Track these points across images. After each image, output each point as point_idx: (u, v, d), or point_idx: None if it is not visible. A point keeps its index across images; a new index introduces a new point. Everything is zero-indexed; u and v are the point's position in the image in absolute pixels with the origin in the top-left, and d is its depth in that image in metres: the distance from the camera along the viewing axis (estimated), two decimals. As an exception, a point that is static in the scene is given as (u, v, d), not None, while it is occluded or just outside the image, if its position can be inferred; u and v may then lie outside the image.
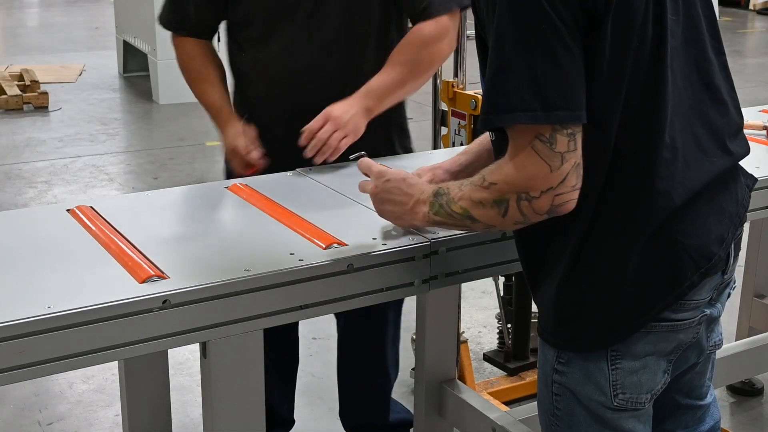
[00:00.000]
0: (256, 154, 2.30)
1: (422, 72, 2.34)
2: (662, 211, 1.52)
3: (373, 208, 1.82)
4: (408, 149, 2.57)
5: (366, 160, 1.88)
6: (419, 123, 4.13)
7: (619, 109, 1.49)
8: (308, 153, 2.20)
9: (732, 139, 1.64)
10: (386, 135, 2.49)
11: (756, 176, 1.76)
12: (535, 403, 1.75)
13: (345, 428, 2.87)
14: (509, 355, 3.21)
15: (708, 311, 1.62)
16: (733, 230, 1.62)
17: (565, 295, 1.58)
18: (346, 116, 2.22)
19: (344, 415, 2.87)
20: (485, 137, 1.94)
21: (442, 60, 2.38)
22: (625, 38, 1.47)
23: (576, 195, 1.49)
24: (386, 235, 1.84)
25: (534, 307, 3.28)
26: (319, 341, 3.56)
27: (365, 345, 2.76)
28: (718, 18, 1.67)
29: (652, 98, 1.51)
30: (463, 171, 1.92)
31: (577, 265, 1.55)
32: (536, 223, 1.54)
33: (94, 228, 1.88)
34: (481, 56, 1.58)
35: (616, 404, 1.60)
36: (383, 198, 1.78)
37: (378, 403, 2.82)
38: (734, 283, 1.71)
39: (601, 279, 1.55)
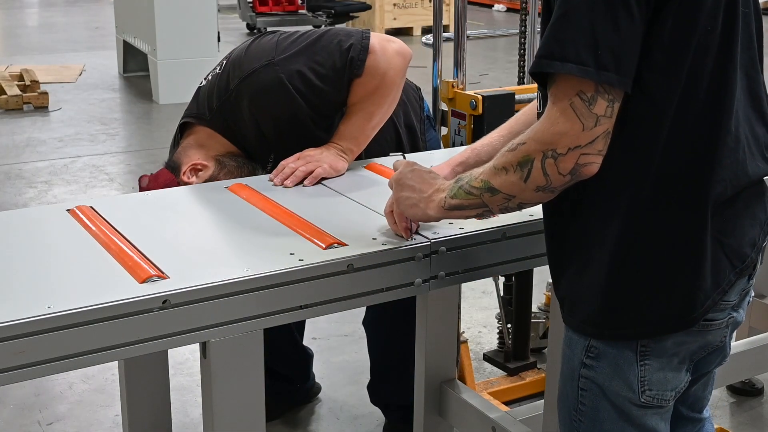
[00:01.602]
0: None
1: (386, 94, 2.34)
2: (712, 202, 1.51)
3: (374, 209, 1.81)
4: (417, 148, 2.60)
5: (401, 160, 1.90)
6: (419, 123, 4.13)
7: (678, 89, 1.47)
8: (272, 177, 2.22)
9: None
10: (396, 136, 2.54)
11: None
12: (536, 403, 1.75)
13: (373, 403, 3.00)
14: (509, 355, 3.21)
15: (734, 315, 1.62)
16: (762, 237, 1.62)
17: (616, 283, 1.55)
18: (318, 155, 2.26)
19: (372, 392, 2.98)
20: (500, 135, 1.95)
21: (401, 69, 2.34)
22: (692, 16, 1.46)
23: (599, 160, 1.47)
24: (386, 235, 1.84)
25: (534, 307, 3.28)
26: (319, 341, 3.56)
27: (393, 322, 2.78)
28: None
29: (719, 86, 1.50)
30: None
31: (631, 252, 1.53)
32: (572, 205, 1.53)
33: (94, 228, 1.88)
34: (546, 24, 1.54)
35: (643, 401, 1.59)
36: (404, 183, 1.77)
37: (406, 382, 2.84)
38: (752, 292, 1.70)
39: (657, 268, 1.53)
